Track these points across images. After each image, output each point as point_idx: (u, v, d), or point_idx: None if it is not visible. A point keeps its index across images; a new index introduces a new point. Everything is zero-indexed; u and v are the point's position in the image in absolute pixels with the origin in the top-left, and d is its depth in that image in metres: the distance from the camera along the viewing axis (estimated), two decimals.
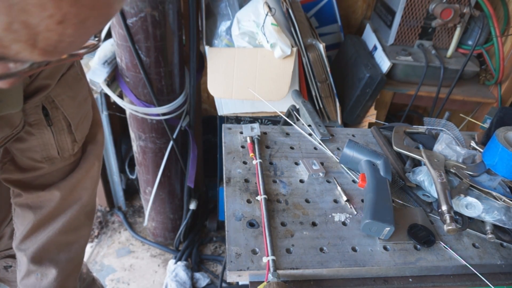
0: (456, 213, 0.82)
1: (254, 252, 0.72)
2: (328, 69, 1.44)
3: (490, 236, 0.81)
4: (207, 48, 1.45)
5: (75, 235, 0.82)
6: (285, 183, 0.90)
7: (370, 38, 1.68)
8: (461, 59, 1.58)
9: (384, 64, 1.51)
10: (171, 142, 1.59)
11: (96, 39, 0.42)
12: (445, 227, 0.77)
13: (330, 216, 0.83)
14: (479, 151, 0.99)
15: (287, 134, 1.07)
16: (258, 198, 0.83)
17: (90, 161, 0.77)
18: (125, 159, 2.00)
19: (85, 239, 0.86)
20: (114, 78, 1.45)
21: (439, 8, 1.45)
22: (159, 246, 2.00)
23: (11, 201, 0.77)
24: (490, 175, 0.90)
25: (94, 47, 0.42)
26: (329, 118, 1.53)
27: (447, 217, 0.77)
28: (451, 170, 0.90)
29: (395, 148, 0.99)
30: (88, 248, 1.95)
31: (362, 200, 0.88)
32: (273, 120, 1.56)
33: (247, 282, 0.71)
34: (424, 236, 0.79)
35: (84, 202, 0.79)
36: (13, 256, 0.91)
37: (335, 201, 0.87)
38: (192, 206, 1.82)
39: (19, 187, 0.73)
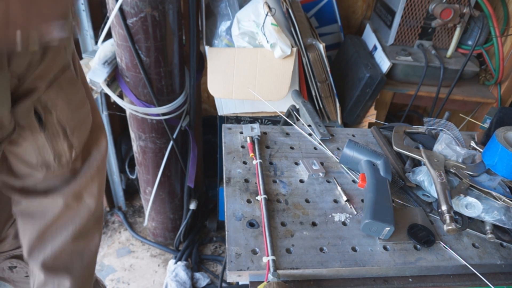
0: (456, 213, 0.82)
1: (254, 252, 0.72)
2: (328, 69, 1.44)
3: (490, 236, 0.81)
4: (207, 48, 1.45)
5: (86, 241, 0.81)
6: (285, 183, 0.90)
7: (370, 38, 1.68)
8: (461, 59, 1.58)
9: (384, 64, 1.51)
10: (171, 142, 1.59)
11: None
12: (445, 227, 0.77)
13: (330, 216, 0.83)
14: (479, 151, 0.99)
15: (287, 134, 1.07)
16: (258, 198, 0.83)
17: (94, 166, 0.76)
18: (125, 159, 2.00)
19: (96, 244, 0.85)
20: (114, 78, 1.45)
21: (439, 8, 1.45)
22: (159, 246, 2.00)
23: (13, 210, 0.76)
24: (490, 175, 0.90)
25: (69, 30, 0.39)
26: (329, 118, 1.53)
27: (447, 217, 0.77)
28: (451, 170, 0.90)
29: (395, 148, 0.99)
30: None
31: (362, 200, 0.88)
32: (273, 120, 1.56)
33: (247, 282, 0.71)
34: (424, 236, 0.79)
35: (91, 209, 0.78)
36: (17, 257, 0.91)
37: (335, 201, 0.87)
38: (192, 206, 1.82)
39: (18, 194, 0.72)
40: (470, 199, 0.82)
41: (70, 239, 0.76)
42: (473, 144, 1.04)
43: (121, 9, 1.22)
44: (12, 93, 0.57)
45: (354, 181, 0.93)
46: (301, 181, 0.91)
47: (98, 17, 1.55)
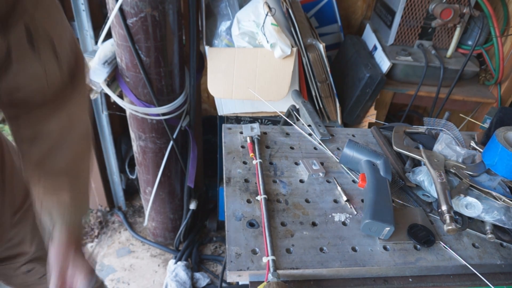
0: (456, 213, 0.82)
1: (254, 252, 0.72)
2: (328, 69, 1.44)
3: (490, 236, 0.81)
4: (207, 48, 1.45)
5: (81, 162, 0.86)
6: (285, 183, 0.90)
7: (370, 38, 1.68)
8: (461, 59, 1.58)
9: (384, 64, 1.51)
10: (171, 142, 1.59)
11: None
12: (445, 227, 0.77)
13: (330, 216, 0.83)
14: (479, 151, 0.99)
15: (287, 134, 1.07)
16: (258, 198, 0.83)
17: (81, 92, 0.80)
18: (125, 159, 2.00)
19: (89, 166, 0.90)
20: (114, 78, 1.45)
21: (439, 8, 1.45)
22: (159, 246, 2.00)
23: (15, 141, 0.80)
24: (490, 175, 0.90)
25: None
26: (329, 118, 1.53)
27: (447, 217, 0.77)
28: (451, 170, 0.90)
29: (395, 148, 0.99)
30: (88, 249, 1.95)
31: (362, 200, 0.88)
32: (273, 120, 1.56)
33: (247, 282, 0.71)
34: (424, 236, 0.79)
35: (83, 132, 0.82)
36: (34, 261, 0.92)
37: (335, 201, 0.87)
38: (192, 206, 1.82)
39: (14, 121, 0.75)
40: (470, 199, 0.82)
41: (67, 160, 0.80)
42: (473, 144, 1.04)
43: (121, 9, 1.22)
44: (3, 19, 0.57)
45: (354, 181, 0.93)
46: (301, 181, 0.91)
47: (98, 17, 1.55)
